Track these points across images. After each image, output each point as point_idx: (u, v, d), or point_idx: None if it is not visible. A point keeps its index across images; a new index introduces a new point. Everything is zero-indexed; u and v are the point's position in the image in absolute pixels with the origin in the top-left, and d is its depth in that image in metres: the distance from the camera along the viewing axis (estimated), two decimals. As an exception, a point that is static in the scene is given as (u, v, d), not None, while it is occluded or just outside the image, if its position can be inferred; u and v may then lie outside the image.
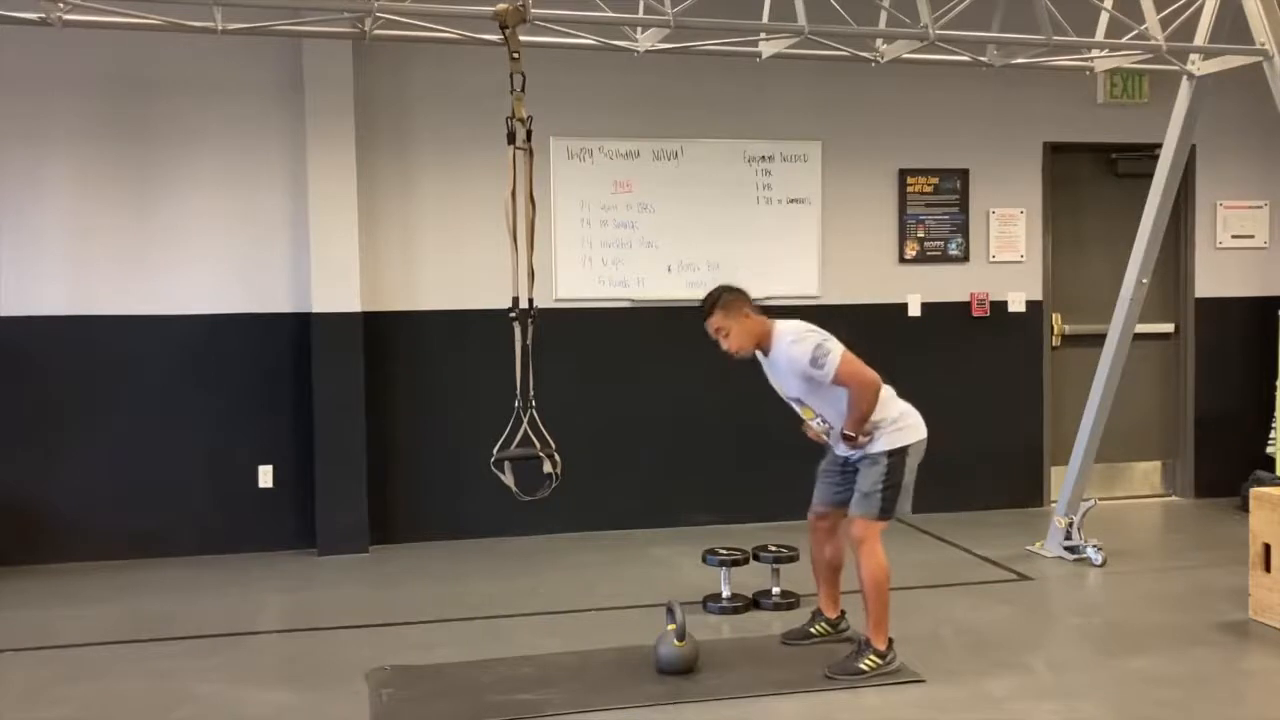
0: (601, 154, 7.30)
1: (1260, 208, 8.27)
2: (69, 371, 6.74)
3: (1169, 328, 8.25)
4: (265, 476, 6.99)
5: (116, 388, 6.79)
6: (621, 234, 7.36)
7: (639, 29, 5.54)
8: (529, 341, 4.60)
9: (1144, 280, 6.47)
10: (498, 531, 7.11)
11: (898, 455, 4.77)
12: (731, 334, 4.79)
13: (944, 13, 5.53)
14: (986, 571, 6.49)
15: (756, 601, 5.76)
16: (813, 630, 5.19)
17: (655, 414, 7.41)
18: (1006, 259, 7.90)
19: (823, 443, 5.03)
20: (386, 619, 5.67)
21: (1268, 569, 5.35)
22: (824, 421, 4.88)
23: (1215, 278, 8.20)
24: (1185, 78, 6.23)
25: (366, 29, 5.23)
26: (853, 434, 4.74)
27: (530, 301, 4.57)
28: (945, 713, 4.44)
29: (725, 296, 4.81)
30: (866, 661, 4.73)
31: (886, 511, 4.76)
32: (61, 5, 4.91)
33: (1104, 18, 5.90)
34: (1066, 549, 6.61)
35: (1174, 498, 8.34)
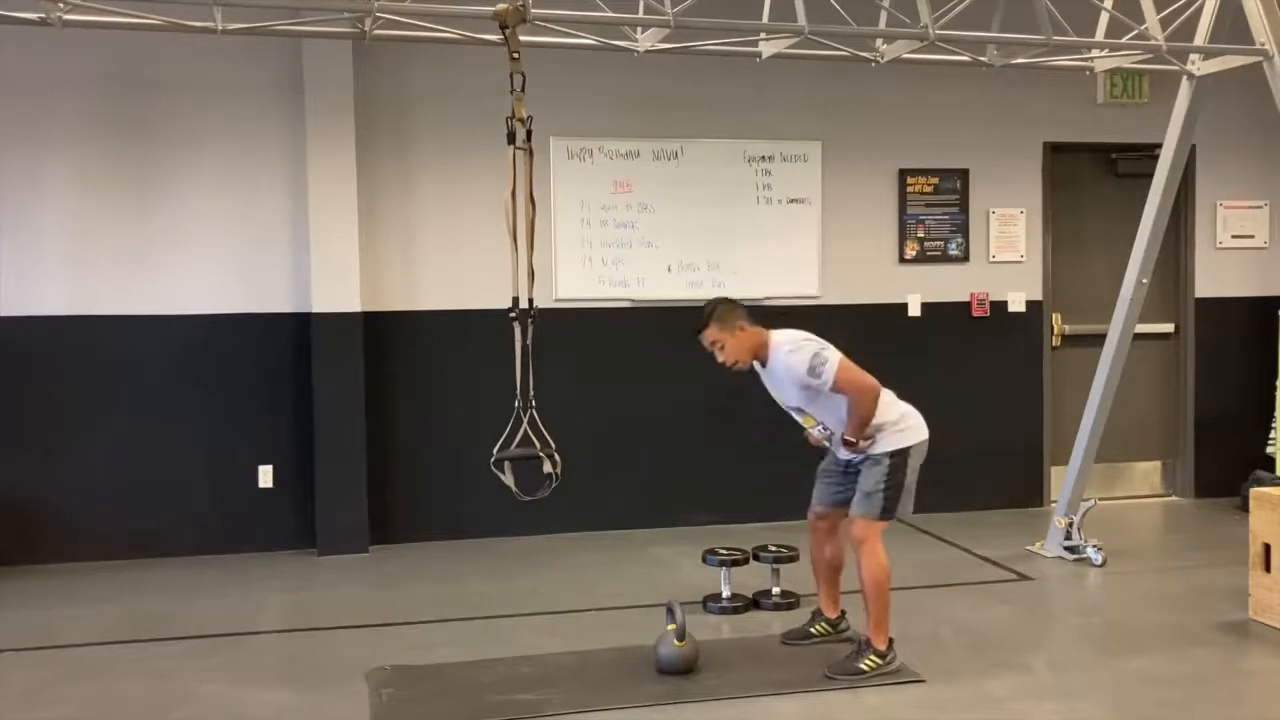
0: (601, 154, 7.30)
1: (1260, 208, 8.27)
2: (69, 371, 6.74)
3: (1169, 328, 8.25)
4: (265, 476, 6.99)
5: (116, 388, 6.79)
6: (621, 234, 7.36)
7: (639, 29, 5.54)
8: (529, 341, 4.60)
9: (1144, 280, 6.47)
10: (498, 531, 7.11)
11: (900, 456, 4.78)
12: (727, 347, 4.79)
13: (944, 13, 5.53)
14: (986, 571, 6.49)
15: (756, 601, 5.76)
16: (813, 630, 5.19)
17: (655, 414, 7.41)
18: (1006, 259, 7.90)
19: (825, 449, 5.04)
20: (386, 619, 5.67)
21: (1268, 569, 5.35)
22: (825, 429, 4.89)
23: (1215, 278, 8.20)
24: (1185, 78, 6.23)
25: (366, 29, 5.22)
26: (853, 439, 4.75)
27: (530, 301, 4.56)
28: (945, 713, 4.44)
29: (720, 309, 4.83)
30: (866, 661, 4.73)
31: (888, 511, 4.76)
32: (61, 5, 4.91)
33: (1104, 18, 5.90)
34: (1066, 549, 6.61)
35: (1174, 498, 8.34)
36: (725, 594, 5.73)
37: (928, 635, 5.26)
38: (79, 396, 6.75)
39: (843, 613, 5.20)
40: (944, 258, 7.82)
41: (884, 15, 5.61)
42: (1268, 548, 5.35)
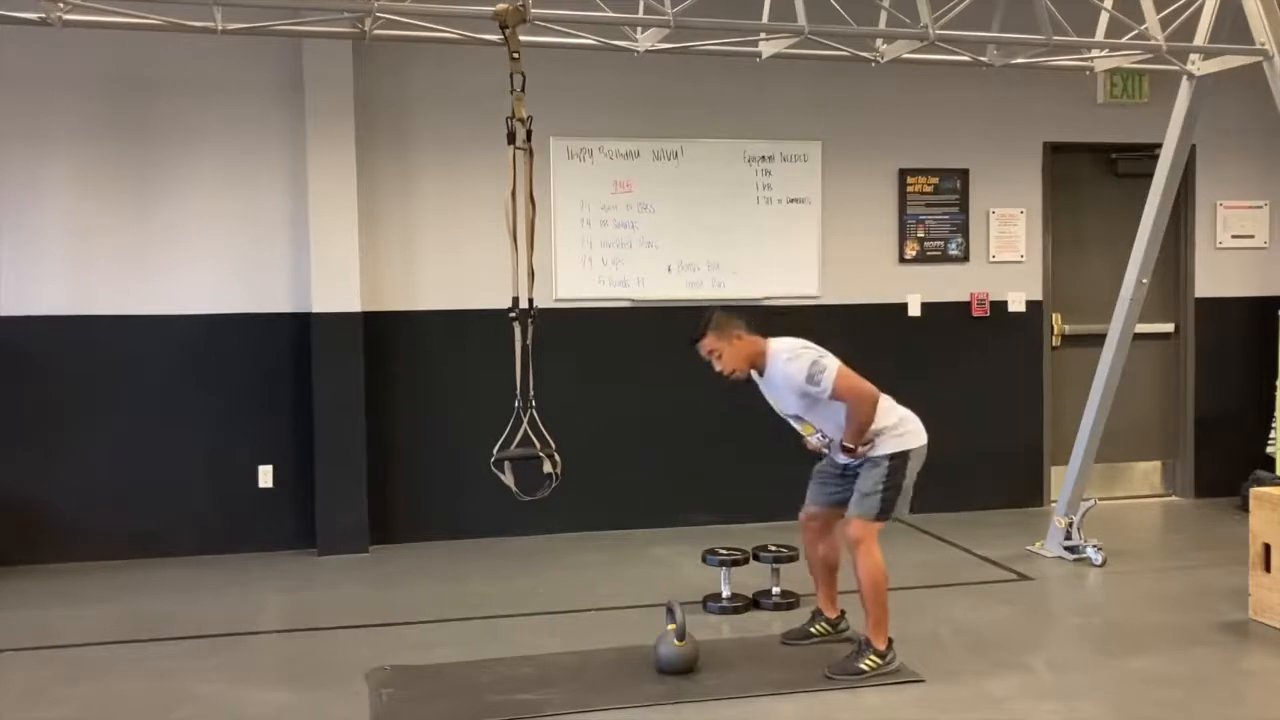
0: (601, 154, 7.30)
1: (1260, 208, 8.27)
2: (69, 371, 6.74)
3: (1169, 328, 8.25)
4: (265, 476, 6.99)
5: (116, 388, 6.79)
6: (621, 234, 7.36)
7: (639, 29, 5.54)
8: (529, 341, 4.60)
9: (1144, 280, 6.47)
10: (498, 531, 7.11)
11: (899, 459, 4.78)
12: (724, 356, 4.80)
13: (944, 13, 5.52)
14: (986, 571, 6.49)
15: (756, 601, 5.76)
16: (813, 630, 5.19)
17: (655, 414, 7.41)
18: (1006, 259, 7.90)
19: (824, 455, 5.04)
20: (386, 619, 5.67)
21: (1268, 569, 5.35)
22: (824, 436, 4.89)
23: (1215, 278, 8.20)
24: (1185, 78, 6.23)
25: (366, 29, 5.22)
26: (852, 446, 4.75)
27: (530, 301, 4.56)
28: (945, 713, 4.44)
29: (717, 318, 4.84)
30: (866, 661, 4.73)
31: (885, 513, 4.76)
32: (61, 5, 4.91)
33: (1104, 18, 5.90)
34: (1066, 549, 6.61)
35: (1174, 498, 8.34)
36: (725, 594, 5.73)
37: (927, 635, 5.26)
38: (79, 396, 6.74)
39: (842, 612, 5.20)
40: (944, 258, 7.82)
41: (884, 15, 5.61)
42: (1268, 548, 5.35)
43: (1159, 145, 6.46)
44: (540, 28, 5.19)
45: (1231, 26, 5.95)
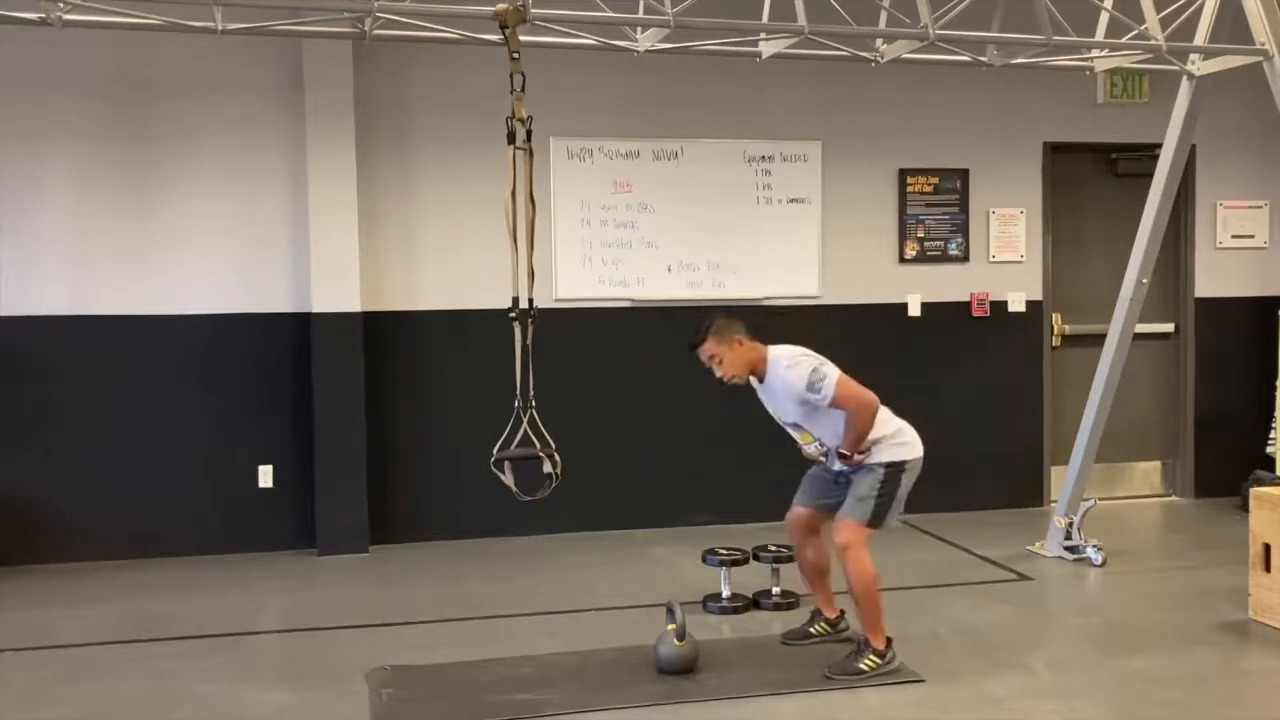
0: (601, 154, 7.30)
1: (1260, 208, 8.27)
2: (69, 371, 6.74)
3: (1169, 328, 8.25)
4: (265, 476, 6.99)
5: (116, 388, 6.79)
6: (621, 234, 7.36)
7: (639, 29, 5.54)
8: (529, 341, 4.59)
9: (1144, 280, 6.47)
10: (498, 531, 7.11)
11: (896, 468, 4.78)
12: (725, 361, 4.80)
13: (944, 13, 5.52)
14: (986, 571, 6.49)
15: (756, 601, 5.76)
16: (812, 630, 5.20)
17: (655, 414, 7.41)
18: (1006, 259, 7.90)
19: (821, 463, 5.04)
20: (386, 619, 5.67)
21: (1268, 569, 5.35)
22: (822, 445, 4.89)
23: (1215, 278, 8.20)
24: (1185, 78, 6.23)
25: (366, 29, 5.22)
26: (848, 454, 4.75)
27: (530, 301, 4.56)
28: (945, 713, 4.44)
29: (717, 323, 4.84)
30: (866, 661, 4.73)
31: (877, 518, 4.76)
32: (61, 5, 4.91)
33: (1104, 18, 5.89)
34: (1066, 549, 6.61)
35: (1174, 498, 8.34)
36: (725, 594, 5.73)
37: (927, 635, 5.26)
38: (79, 396, 6.74)
39: (841, 612, 5.20)
40: (944, 258, 7.82)
41: (884, 15, 5.61)
42: (1268, 548, 5.35)
43: (1159, 145, 6.46)
44: (540, 28, 5.19)
45: (1231, 26, 5.95)
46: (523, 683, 4.72)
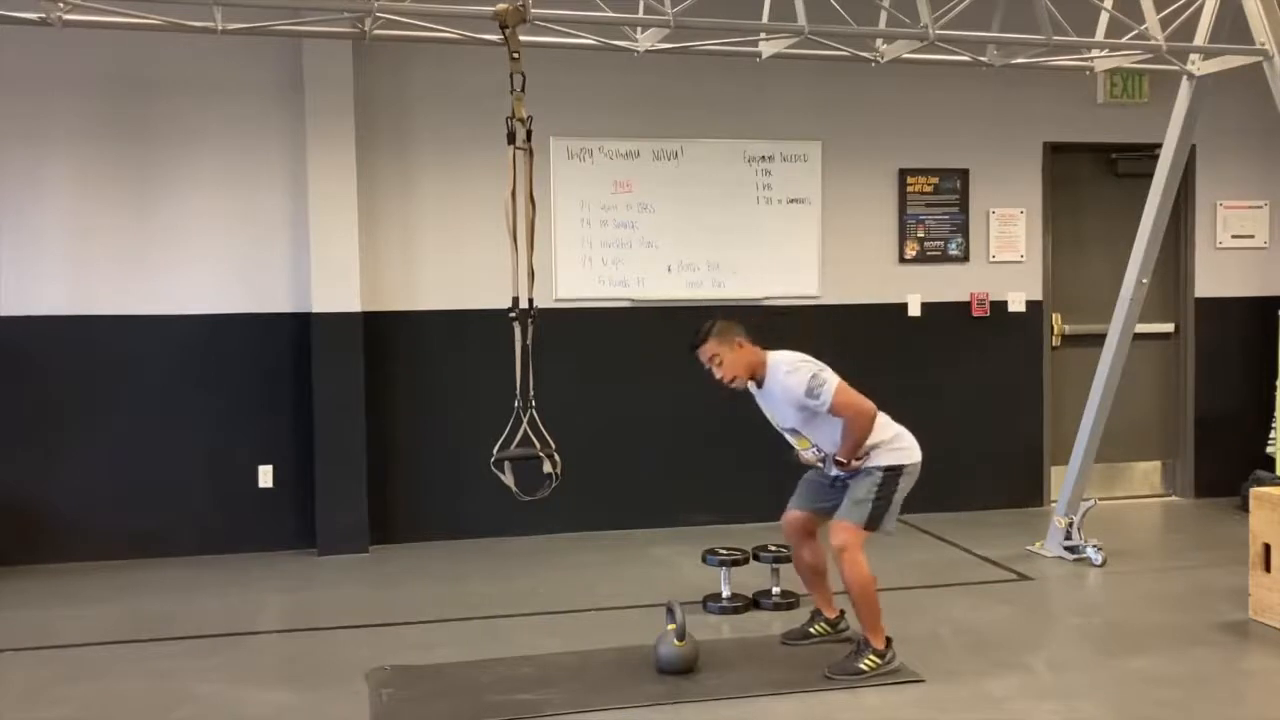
0: (601, 154, 7.30)
1: (1260, 208, 8.27)
2: (69, 371, 6.74)
3: (1169, 328, 8.25)
4: (265, 476, 6.99)
5: (116, 388, 6.79)
6: (621, 234, 7.36)
7: (639, 29, 5.54)
8: (529, 341, 4.60)
9: (1144, 280, 6.47)
10: (498, 531, 7.11)
11: (894, 472, 4.79)
12: (725, 362, 4.81)
13: (944, 13, 5.52)
14: (986, 571, 6.49)
15: (756, 601, 5.76)
16: (812, 630, 5.20)
17: (655, 414, 7.41)
18: (1006, 259, 7.90)
19: (818, 468, 5.04)
20: (386, 619, 5.67)
21: (1268, 569, 5.35)
22: (819, 451, 4.89)
23: (1215, 278, 8.20)
24: (1185, 78, 6.23)
25: (366, 29, 5.22)
26: (845, 460, 4.76)
27: (530, 301, 4.56)
28: (945, 713, 4.44)
29: (718, 324, 4.85)
30: (866, 661, 4.73)
31: (874, 521, 4.76)
32: (61, 5, 4.91)
33: (1104, 18, 5.89)
34: (1066, 549, 6.61)
35: (1174, 498, 8.34)
36: (725, 594, 5.73)
37: (927, 635, 5.26)
38: (79, 396, 6.74)
39: (841, 612, 5.20)
40: (944, 258, 7.82)
41: (884, 15, 5.61)
42: (1268, 548, 5.35)
43: (1159, 145, 6.46)
44: (540, 28, 5.19)
45: (1231, 26, 5.95)
46: (523, 683, 4.72)
